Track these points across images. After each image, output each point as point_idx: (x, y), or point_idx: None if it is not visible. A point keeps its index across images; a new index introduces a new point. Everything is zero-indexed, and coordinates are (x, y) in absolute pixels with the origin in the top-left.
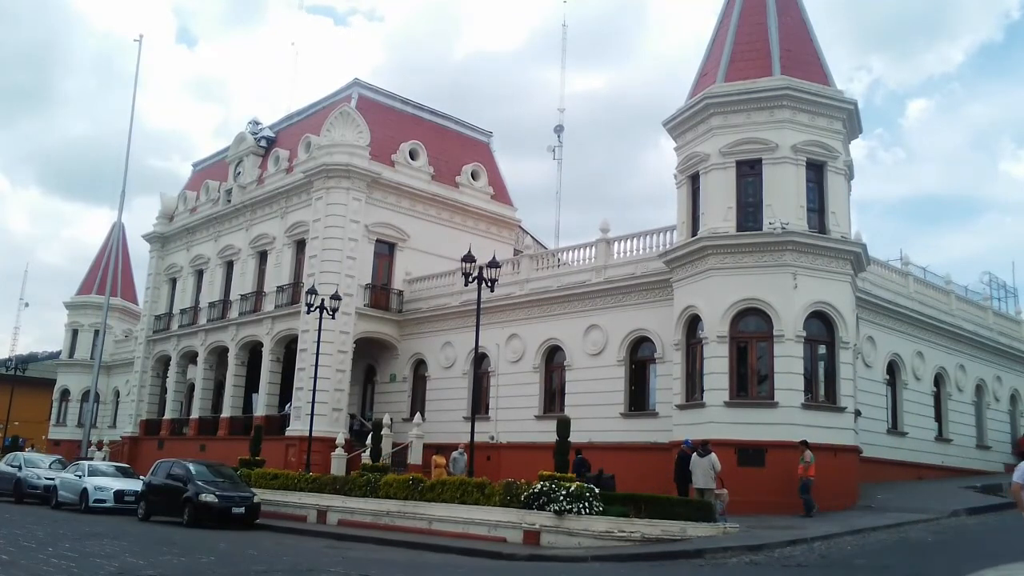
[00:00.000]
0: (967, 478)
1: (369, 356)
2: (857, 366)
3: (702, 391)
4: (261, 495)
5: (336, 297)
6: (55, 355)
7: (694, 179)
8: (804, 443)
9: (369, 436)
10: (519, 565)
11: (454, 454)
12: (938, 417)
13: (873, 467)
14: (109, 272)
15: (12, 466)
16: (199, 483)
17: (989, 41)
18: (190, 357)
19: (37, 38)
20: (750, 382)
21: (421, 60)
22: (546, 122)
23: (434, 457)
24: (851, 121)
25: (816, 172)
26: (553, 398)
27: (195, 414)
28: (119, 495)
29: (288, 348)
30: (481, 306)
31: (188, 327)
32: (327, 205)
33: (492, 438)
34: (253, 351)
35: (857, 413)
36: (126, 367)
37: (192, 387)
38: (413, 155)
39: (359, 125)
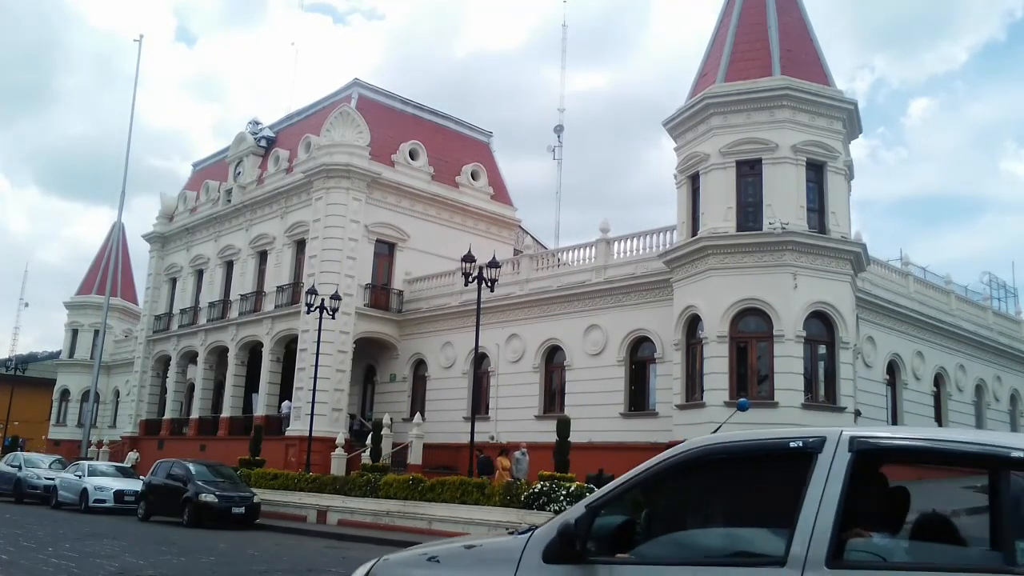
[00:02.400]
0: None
1: (369, 356)
2: (857, 366)
3: (702, 391)
4: (261, 495)
5: (336, 297)
6: (55, 355)
7: (694, 179)
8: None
9: (369, 436)
10: None
11: (516, 454)
12: (938, 417)
13: None
14: (109, 272)
15: (12, 466)
16: (199, 483)
17: (992, 40)
18: (190, 357)
19: (37, 38)
20: (750, 382)
21: (421, 59)
22: (546, 122)
23: (499, 459)
24: (851, 121)
25: (816, 172)
26: (553, 398)
27: (195, 414)
28: (119, 495)
29: (288, 348)
30: (481, 306)
31: (188, 327)
32: (327, 205)
33: (492, 438)
34: (253, 351)
35: (857, 413)
36: (126, 367)
37: (192, 387)
38: (413, 155)
39: (359, 125)
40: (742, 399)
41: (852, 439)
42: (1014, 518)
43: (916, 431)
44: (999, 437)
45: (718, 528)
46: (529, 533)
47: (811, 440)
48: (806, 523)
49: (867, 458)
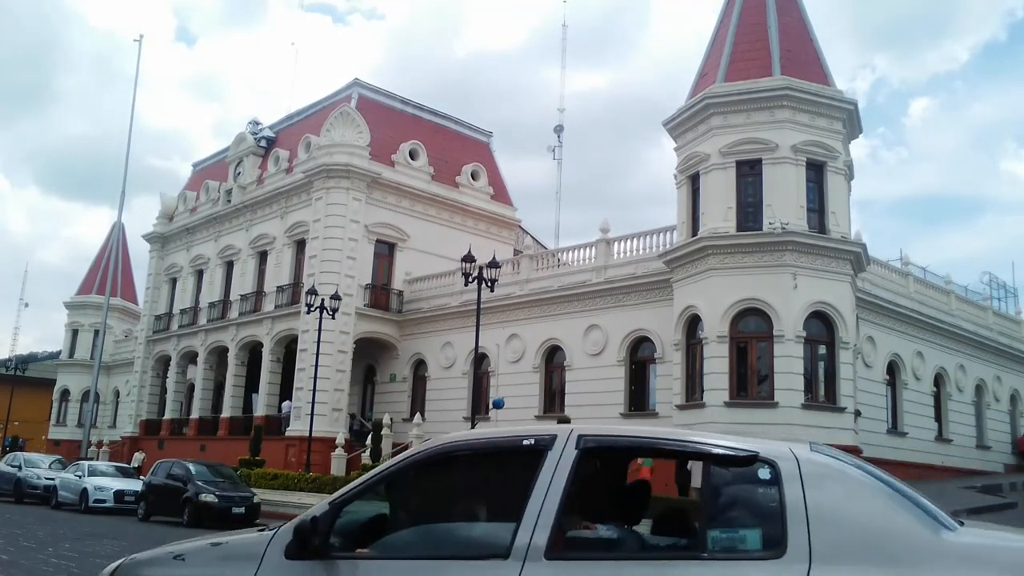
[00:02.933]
0: (967, 478)
1: (369, 356)
2: (857, 366)
3: (702, 391)
4: (261, 495)
5: (336, 297)
6: (55, 355)
7: (694, 179)
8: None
9: (369, 436)
10: None
11: None
12: (938, 417)
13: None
14: (109, 272)
15: (12, 466)
16: (199, 483)
17: (993, 40)
18: (190, 357)
19: (37, 38)
20: (750, 382)
21: (421, 59)
22: (546, 121)
23: None
24: (851, 121)
25: (816, 172)
26: (553, 398)
27: (195, 414)
28: (119, 495)
29: (288, 348)
30: (481, 306)
31: (188, 327)
32: (327, 205)
33: None
34: (253, 351)
35: (857, 413)
36: (126, 367)
37: (192, 387)
38: (413, 155)
39: (359, 125)
40: (497, 398)
41: (580, 437)
42: (709, 508)
43: (642, 430)
44: (716, 436)
45: (457, 522)
46: (275, 529)
47: (543, 438)
48: (530, 517)
49: (593, 454)
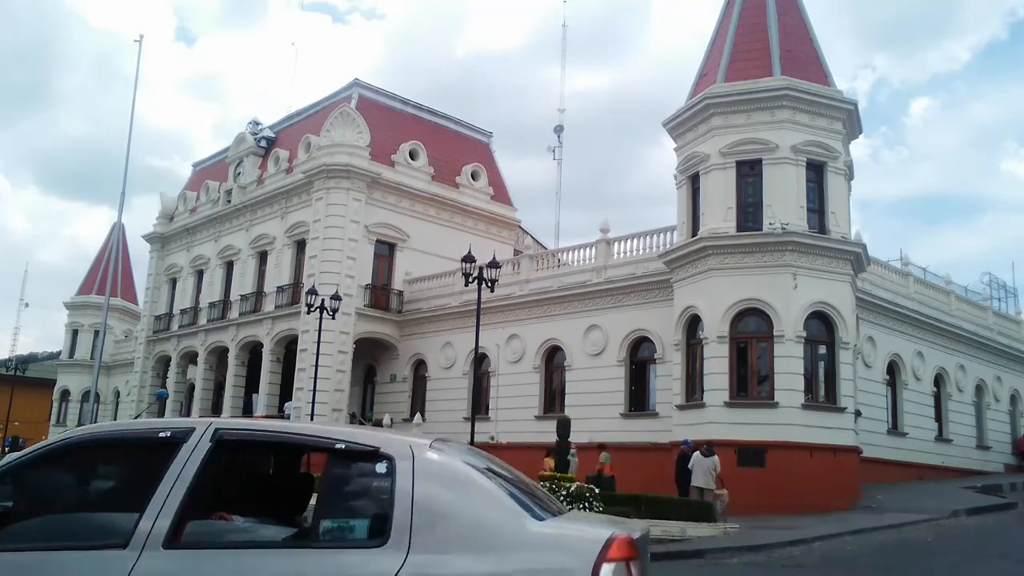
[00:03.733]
0: (967, 478)
1: (369, 356)
2: (857, 366)
3: (702, 391)
4: None
5: (336, 297)
6: (55, 355)
7: (694, 179)
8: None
9: None
10: None
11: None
12: (938, 417)
13: (873, 467)
14: (109, 272)
15: None
16: None
17: (994, 39)
18: (190, 357)
19: (36, 38)
20: (750, 382)
21: (421, 59)
22: (547, 121)
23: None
24: (851, 121)
25: (816, 172)
26: (553, 398)
27: (195, 415)
28: None
29: (288, 348)
30: (481, 306)
31: (188, 327)
32: (327, 205)
33: (492, 438)
34: (253, 351)
35: (857, 413)
36: (126, 367)
37: (192, 387)
38: (413, 155)
39: (359, 125)
40: (160, 389)
41: (216, 430)
42: (326, 499)
43: (278, 425)
44: (345, 431)
45: (84, 513)
46: None
47: (180, 430)
48: (155, 507)
49: (229, 448)
